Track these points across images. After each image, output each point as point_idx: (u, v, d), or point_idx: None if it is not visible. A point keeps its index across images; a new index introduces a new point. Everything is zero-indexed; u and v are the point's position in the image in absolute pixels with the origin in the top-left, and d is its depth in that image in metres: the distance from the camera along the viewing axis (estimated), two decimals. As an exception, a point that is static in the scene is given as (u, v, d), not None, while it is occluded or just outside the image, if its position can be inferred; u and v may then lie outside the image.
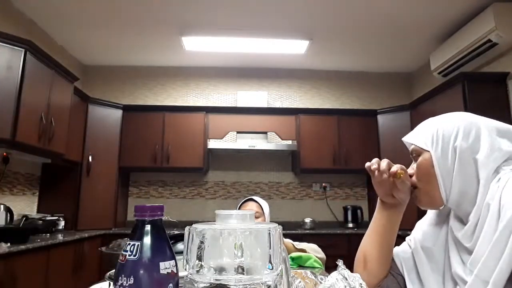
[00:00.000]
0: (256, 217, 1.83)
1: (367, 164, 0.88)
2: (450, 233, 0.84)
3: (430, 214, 0.93)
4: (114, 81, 4.50)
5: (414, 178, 0.86)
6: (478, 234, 0.73)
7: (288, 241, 1.75)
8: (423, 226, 0.92)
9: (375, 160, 0.88)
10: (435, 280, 0.83)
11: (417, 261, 0.87)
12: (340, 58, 4.32)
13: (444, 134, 0.81)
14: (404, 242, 0.95)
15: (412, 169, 0.88)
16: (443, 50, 3.57)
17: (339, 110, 4.24)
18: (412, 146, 0.87)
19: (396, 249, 0.94)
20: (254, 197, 1.93)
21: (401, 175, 0.83)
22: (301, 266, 1.56)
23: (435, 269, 0.84)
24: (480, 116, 0.84)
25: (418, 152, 0.85)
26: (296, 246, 1.71)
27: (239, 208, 1.90)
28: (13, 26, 3.06)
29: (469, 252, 0.76)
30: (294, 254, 1.62)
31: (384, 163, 0.86)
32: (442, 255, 0.84)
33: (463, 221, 0.81)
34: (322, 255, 1.74)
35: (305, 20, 3.43)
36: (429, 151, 0.82)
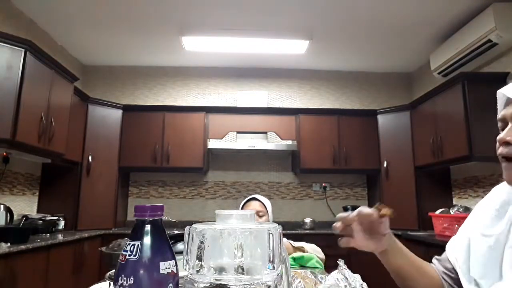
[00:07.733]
0: (260, 216, 1.83)
1: (336, 226, 0.82)
2: None
3: (490, 202, 0.82)
4: (114, 81, 4.50)
5: None
6: None
7: (285, 240, 1.74)
8: (484, 215, 0.82)
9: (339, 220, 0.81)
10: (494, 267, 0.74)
11: (475, 251, 0.78)
12: (340, 58, 4.32)
13: None
14: (454, 238, 0.87)
15: None
16: (443, 50, 3.57)
17: (339, 110, 4.23)
18: None
19: (451, 249, 0.87)
20: (257, 196, 1.91)
21: (388, 213, 0.78)
22: (302, 266, 1.56)
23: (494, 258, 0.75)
24: None
25: None
26: (294, 245, 1.71)
27: (242, 208, 1.89)
28: (13, 26, 3.06)
29: None
30: (296, 254, 1.61)
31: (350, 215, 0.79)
32: (502, 245, 0.74)
33: None
34: (322, 255, 1.73)
35: (305, 20, 3.43)
36: None
